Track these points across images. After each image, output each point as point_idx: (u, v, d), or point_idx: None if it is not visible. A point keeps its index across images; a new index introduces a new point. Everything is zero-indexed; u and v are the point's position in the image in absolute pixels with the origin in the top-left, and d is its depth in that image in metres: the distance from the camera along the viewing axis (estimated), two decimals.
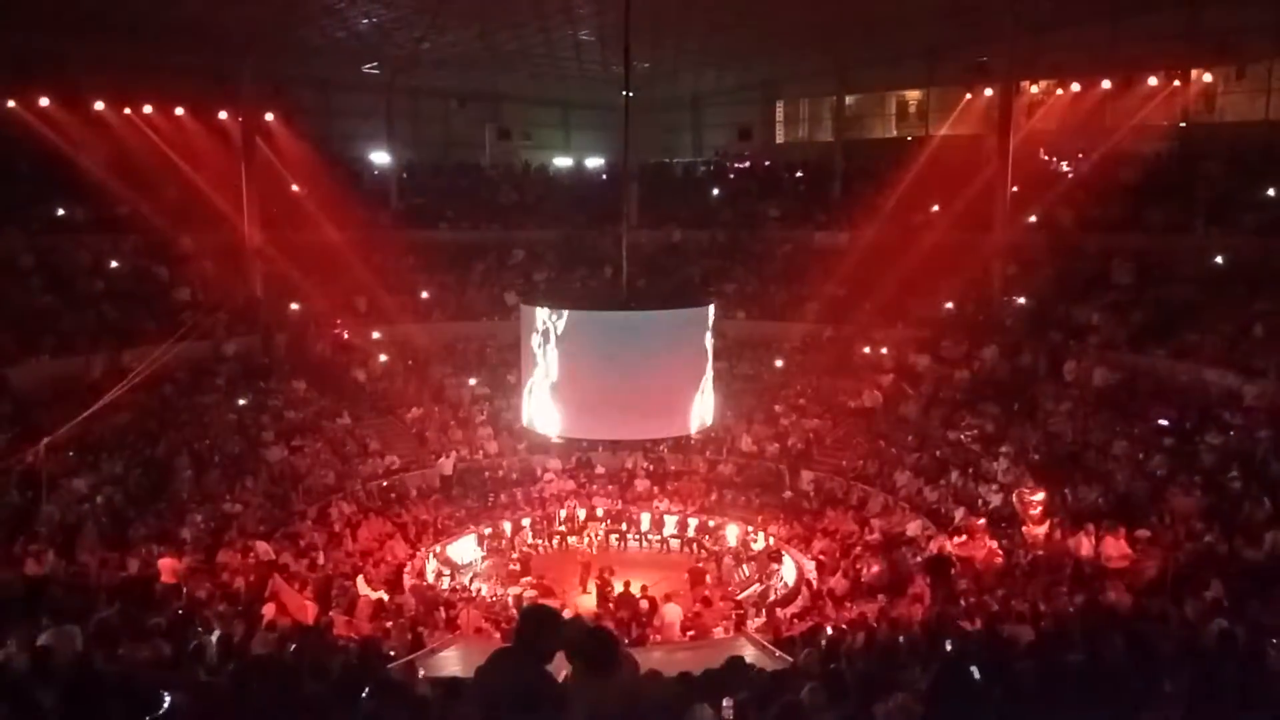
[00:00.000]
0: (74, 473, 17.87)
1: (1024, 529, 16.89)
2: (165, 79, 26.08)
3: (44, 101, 23.72)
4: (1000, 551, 16.79)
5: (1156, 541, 15.04)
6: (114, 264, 24.89)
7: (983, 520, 18.18)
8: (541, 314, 14.49)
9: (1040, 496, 17.39)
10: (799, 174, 34.78)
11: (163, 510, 17.99)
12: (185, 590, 14.67)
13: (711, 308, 14.87)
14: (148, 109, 25.37)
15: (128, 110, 25.13)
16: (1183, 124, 25.45)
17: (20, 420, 18.56)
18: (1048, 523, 16.63)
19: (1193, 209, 24.05)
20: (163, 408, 21.27)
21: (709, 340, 14.46)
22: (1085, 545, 15.22)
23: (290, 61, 28.91)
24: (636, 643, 15.95)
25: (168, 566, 15.38)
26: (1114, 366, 21.34)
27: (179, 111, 25.92)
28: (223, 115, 26.36)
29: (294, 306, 26.09)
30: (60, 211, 25.06)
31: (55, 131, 23.95)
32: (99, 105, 24.55)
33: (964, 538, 17.44)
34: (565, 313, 14.19)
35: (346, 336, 26.22)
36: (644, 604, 17.71)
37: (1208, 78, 25.09)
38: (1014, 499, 17.66)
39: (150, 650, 9.69)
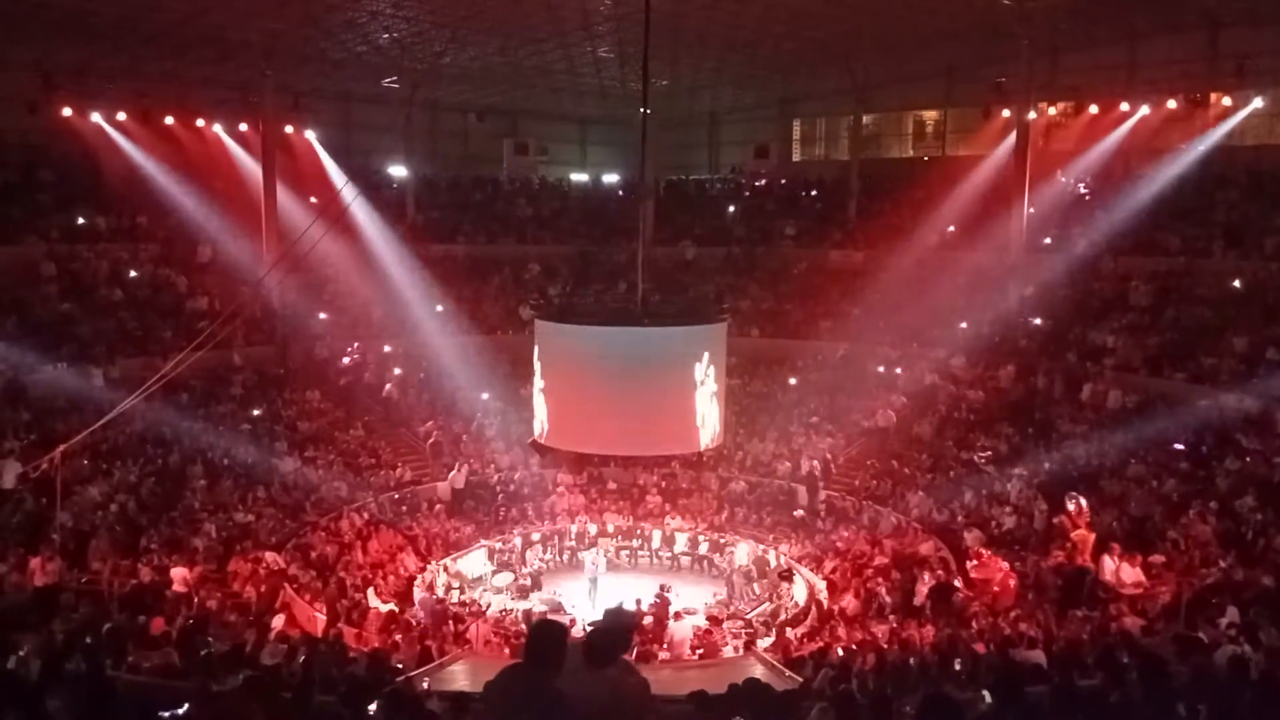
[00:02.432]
0: (88, 480, 17.96)
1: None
2: (187, 90, 26.37)
3: (67, 111, 23.98)
4: (1014, 574, 16.68)
5: (1171, 566, 14.93)
6: (133, 273, 25.10)
7: (996, 541, 18.10)
8: (555, 328, 14.54)
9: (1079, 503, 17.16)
10: (815, 192, 34.81)
11: (175, 519, 18.06)
12: (196, 599, 14.71)
13: (725, 324, 14.87)
14: (169, 120, 25.61)
15: (149, 121, 25.36)
16: (1200, 147, 25.37)
17: (37, 427, 18.68)
18: (1092, 536, 16.38)
19: (1211, 232, 23.97)
20: (177, 417, 21.38)
21: (722, 357, 14.46)
22: (1108, 568, 15.06)
23: (311, 74, 29.15)
24: (642, 659, 15.86)
25: (179, 575, 15.41)
26: (1130, 389, 21.22)
27: (200, 122, 26.15)
28: (243, 127, 26.57)
29: (321, 316, 26.20)
30: (81, 220, 25.28)
31: (77, 141, 24.19)
32: (121, 115, 24.79)
33: (976, 562, 17.31)
34: (579, 327, 14.24)
35: (355, 359, 26.17)
36: (648, 620, 17.62)
37: (1226, 101, 25.02)
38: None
39: (160, 658, 9.72)
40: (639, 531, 23.05)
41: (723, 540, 22.38)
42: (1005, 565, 16.83)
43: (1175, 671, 7.94)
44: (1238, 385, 19.33)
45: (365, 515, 21.31)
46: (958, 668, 10.94)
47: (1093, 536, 16.30)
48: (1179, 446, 18.65)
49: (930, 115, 34.22)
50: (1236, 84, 24.26)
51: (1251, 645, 9.89)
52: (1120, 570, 14.95)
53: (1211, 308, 22.20)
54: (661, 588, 19.28)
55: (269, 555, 17.40)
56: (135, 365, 20.94)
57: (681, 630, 17.15)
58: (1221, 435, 18.38)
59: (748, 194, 36.11)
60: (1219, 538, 15.32)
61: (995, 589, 16.32)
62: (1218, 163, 25.15)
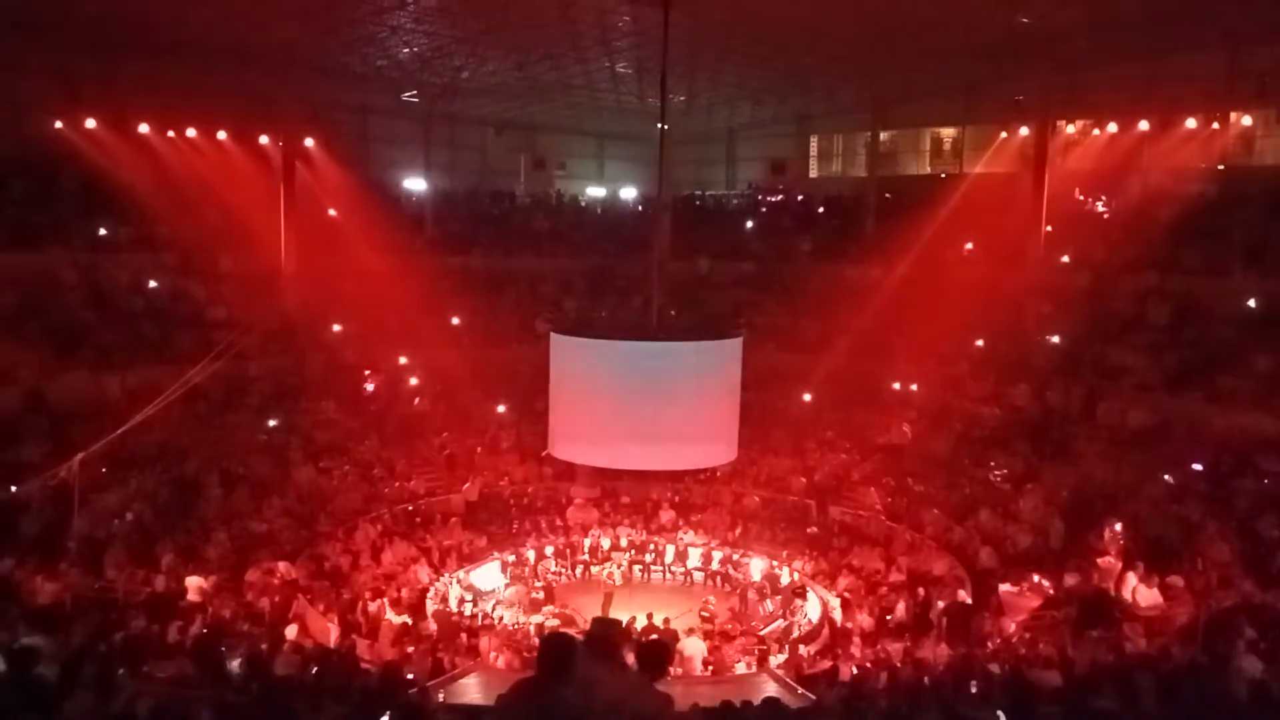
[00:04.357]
0: (105, 488, 18.05)
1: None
2: (208, 102, 26.54)
3: (90, 122, 24.21)
4: (1031, 593, 16.57)
5: (1189, 588, 14.79)
6: (153, 283, 25.27)
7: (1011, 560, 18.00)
8: (570, 342, 14.57)
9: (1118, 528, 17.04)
10: (832, 208, 34.79)
11: (190, 528, 18.13)
12: (210, 608, 14.75)
13: (740, 340, 14.86)
14: (190, 131, 25.81)
15: (171, 132, 25.59)
16: (1221, 166, 25.24)
17: (55, 435, 18.81)
18: (1119, 566, 16.20)
19: (1230, 251, 23.81)
20: (194, 425, 21.49)
21: (737, 372, 14.46)
22: (1129, 585, 14.90)
23: (331, 88, 29.34)
24: None
25: (194, 584, 15.47)
26: (1148, 408, 21.07)
27: (221, 134, 26.35)
28: (263, 139, 26.77)
29: (335, 328, 26.32)
30: (102, 230, 25.48)
31: (100, 151, 24.41)
32: (143, 127, 25.01)
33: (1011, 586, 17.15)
34: (594, 341, 14.26)
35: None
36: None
37: (1247, 120, 24.89)
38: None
39: (175, 667, 9.76)
40: (652, 546, 23.01)
41: (736, 556, 22.31)
42: (1034, 604, 16.54)
43: (1191, 694, 7.88)
44: (1257, 406, 19.18)
45: (379, 526, 21.37)
46: (973, 688, 10.87)
47: (1119, 566, 16.15)
48: (1197, 467, 18.50)
49: (948, 132, 34.16)
50: (1257, 102, 24.13)
51: (1270, 668, 9.80)
52: (1137, 591, 14.83)
53: (1231, 327, 22.03)
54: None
55: (281, 565, 17.44)
56: (154, 374, 21.06)
57: (693, 647, 17.09)
58: (1240, 456, 18.23)
59: (764, 210, 36.12)
60: (1237, 559, 15.18)
61: (1023, 616, 16.14)
62: (1237, 181, 25.00)
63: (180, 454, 20.37)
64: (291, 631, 14.90)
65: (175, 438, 20.65)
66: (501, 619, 19.13)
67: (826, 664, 15.31)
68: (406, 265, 27.36)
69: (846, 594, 19.65)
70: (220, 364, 20.50)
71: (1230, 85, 24.54)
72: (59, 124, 24.02)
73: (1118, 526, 17.03)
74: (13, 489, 16.43)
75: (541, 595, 20.64)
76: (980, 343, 24.99)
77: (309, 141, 27.66)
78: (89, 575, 15.00)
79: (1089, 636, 13.75)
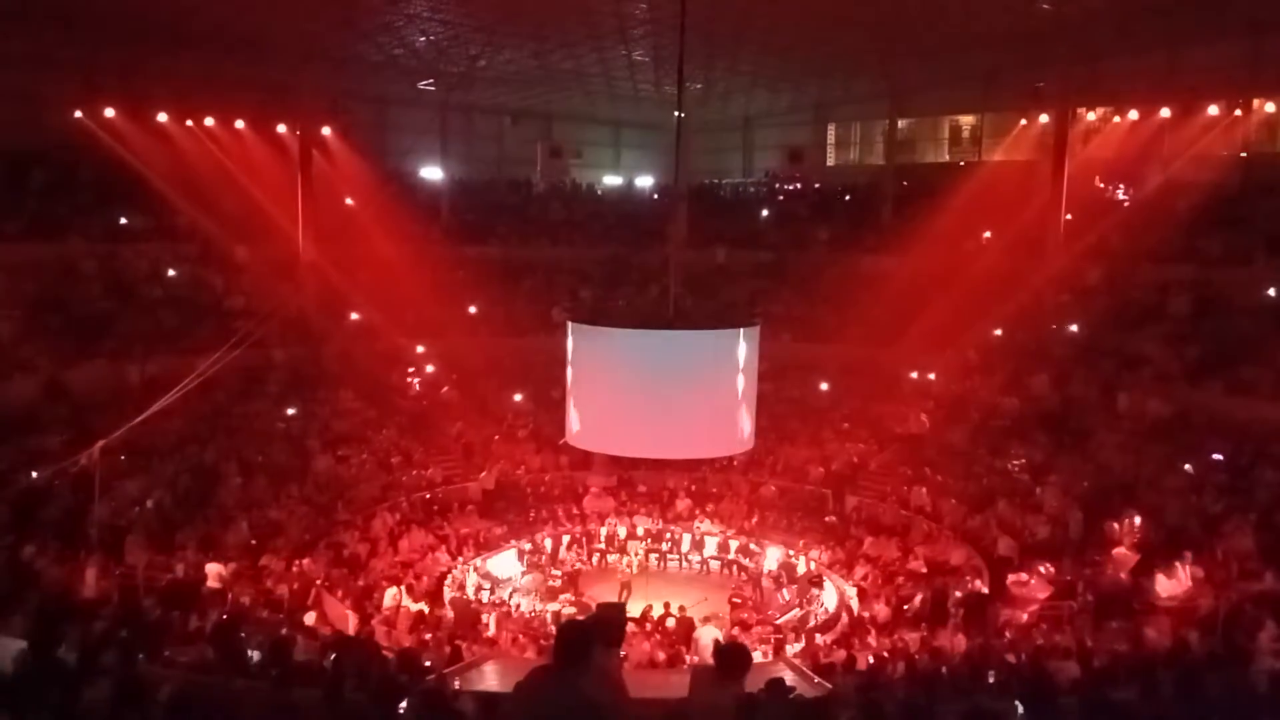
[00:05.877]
0: (125, 476, 18.19)
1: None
2: (226, 92, 26.64)
3: (109, 112, 24.34)
4: (1049, 584, 16.51)
5: (1209, 579, 14.70)
6: (171, 272, 25.41)
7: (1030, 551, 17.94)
8: (587, 331, 14.58)
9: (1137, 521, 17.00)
10: (849, 197, 34.64)
11: (210, 515, 18.25)
12: (230, 596, 14.85)
13: (757, 329, 14.82)
14: (209, 121, 25.93)
15: (189, 122, 25.71)
16: (1243, 154, 24.98)
17: (76, 423, 18.95)
18: (1135, 558, 16.12)
19: (1252, 240, 23.60)
20: (213, 414, 21.62)
21: (754, 361, 14.42)
22: (1162, 581, 14.78)
23: (348, 77, 29.40)
24: (670, 664, 15.90)
25: (214, 571, 15.57)
26: (1168, 399, 20.92)
27: (239, 124, 26.45)
28: (281, 129, 26.86)
29: (353, 317, 26.41)
30: (122, 220, 25.63)
31: (119, 141, 24.54)
32: (162, 116, 25.13)
33: (1022, 577, 17.08)
34: (611, 330, 14.26)
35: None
36: (670, 623, 17.57)
37: (1270, 107, 24.63)
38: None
39: (195, 654, 9.84)
40: (669, 535, 23.03)
41: (752, 545, 22.31)
42: (1043, 595, 16.47)
43: (1211, 685, 7.83)
44: (1278, 396, 19.02)
45: (397, 515, 21.46)
46: (990, 678, 10.84)
47: (1136, 558, 16.05)
48: (1217, 458, 18.38)
49: (967, 120, 33.96)
50: (1279, 90, 23.88)
51: None
52: (1156, 582, 14.75)
53: (1252, 317, 21.85)
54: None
55: (305, 563, 17.48)
56: (173, 363, 21.18)
57: (707, 635, 17.08)
58: (1261, 447, 18.09)
59: (781, 198, 35.99)
60: (1258, 551, 15.07)
61: (1034, 607, 16.08)
62: (1260, 170, 24.76)
63: (200, 442, 20.51)
64: (310, 618, 14.99)
65: (194, 426, 20.79)
66: (518, 607, 19.20)
67: (843, 653, 15.28)
68: (423, 254, 27.44)
69: (863, 583, 19.63)
70: (239, 353, 20.59)
71: (1253, 72, 24.28)
72: (78, 114, 24.14)
73: (1137, 520, 16.96)
74: (34, 476, 16.57)
75: (558, 583, 20.71)
76: (999, 332, 24.85)
77: (326, 130, 27.72)
78: (109, 562, 15.12)
79: (1108, 628, 13.70)
